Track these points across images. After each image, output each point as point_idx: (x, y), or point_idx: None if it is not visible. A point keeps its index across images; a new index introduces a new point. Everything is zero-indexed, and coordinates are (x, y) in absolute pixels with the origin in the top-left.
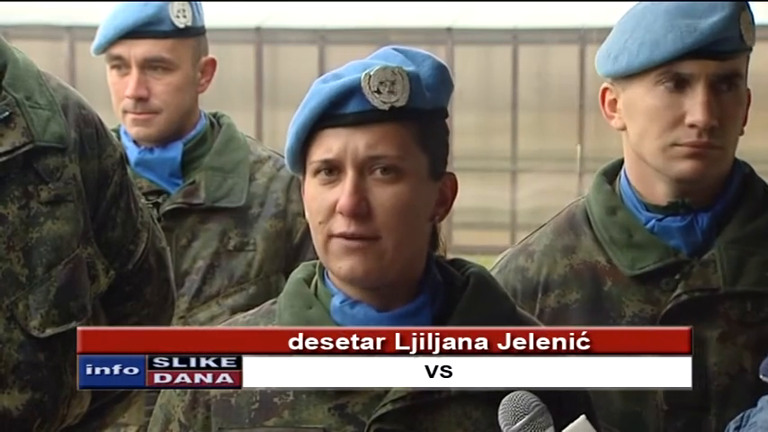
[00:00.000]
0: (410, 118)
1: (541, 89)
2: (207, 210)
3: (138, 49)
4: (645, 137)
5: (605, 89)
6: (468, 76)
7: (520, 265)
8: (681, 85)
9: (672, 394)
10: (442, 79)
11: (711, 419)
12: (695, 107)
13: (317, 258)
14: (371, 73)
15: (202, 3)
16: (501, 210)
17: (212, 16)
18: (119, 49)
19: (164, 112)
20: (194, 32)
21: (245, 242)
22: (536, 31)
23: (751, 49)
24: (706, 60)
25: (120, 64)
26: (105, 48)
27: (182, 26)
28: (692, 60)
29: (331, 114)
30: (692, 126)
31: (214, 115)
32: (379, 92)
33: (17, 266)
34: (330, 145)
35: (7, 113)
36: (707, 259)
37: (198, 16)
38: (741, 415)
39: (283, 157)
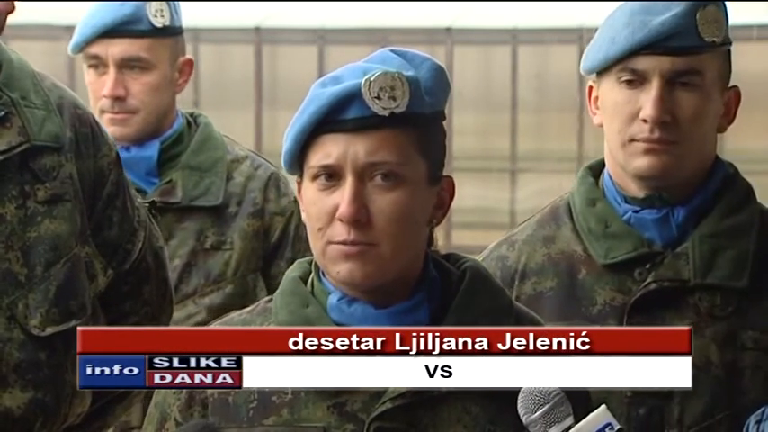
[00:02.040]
0: (410, 123)
1: (541, 89)
2: (184, 208)
3: (116, 49)
4: (610, 133)
5: (590, 87)
6: (467, 76)
7: (501, 253)
8: (638, 80)
9: None
10: (441, 82)
11: (674, 408)
12: (647, 102)
13: (294, 257)
14: (372, 79)
15: (200, 3)
16: (501, 210)
17: (212, 16)
18: (96, 49)
19: (141, 112)
20: (172, 32)
21: (222, 241)
22: (535, 32)
23: (723, 45)
24: (659, 56)
25: (98, 63)
26: (82, 47)
27: (159, 26)
28: (646, 56)
29: (330, 120)
30: (644, 121)
31: (191, 114)
32: (379, 98)
33: (16, 266)
34: (329, 150)
35: (3, 113)
36: (680, 251)
37: (176, 16)
38: (762, 409)
39: (261, 156)
